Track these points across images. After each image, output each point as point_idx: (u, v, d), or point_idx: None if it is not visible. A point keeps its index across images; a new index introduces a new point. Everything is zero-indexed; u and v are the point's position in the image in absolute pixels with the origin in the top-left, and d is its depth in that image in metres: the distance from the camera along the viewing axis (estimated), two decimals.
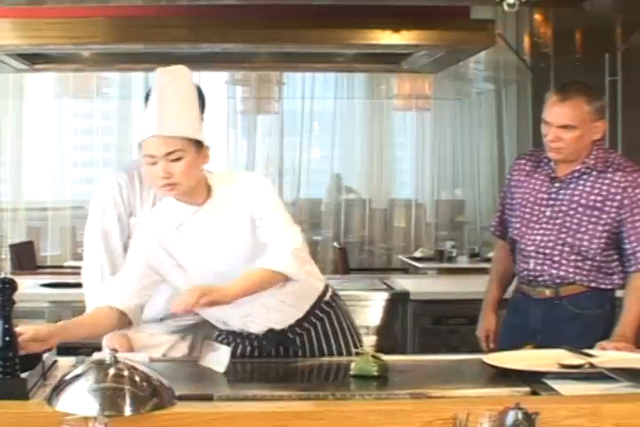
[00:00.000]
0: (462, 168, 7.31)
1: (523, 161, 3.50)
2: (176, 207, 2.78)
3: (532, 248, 3.36)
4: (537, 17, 5.93)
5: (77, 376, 2.20)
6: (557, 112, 3.27)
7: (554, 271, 3.32)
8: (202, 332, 3.31)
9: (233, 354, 2.82)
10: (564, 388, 2.46)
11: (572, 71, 5.73)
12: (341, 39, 4.47)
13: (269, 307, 2.82)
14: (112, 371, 2.19)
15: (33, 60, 5.18)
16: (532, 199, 3.40)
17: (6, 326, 2.35)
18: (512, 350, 2.90)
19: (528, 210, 3.40)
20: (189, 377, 2.70)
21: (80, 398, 2.14)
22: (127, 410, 2.14)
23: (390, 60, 5.36)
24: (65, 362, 2.74)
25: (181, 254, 2.79)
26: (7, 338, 2.34)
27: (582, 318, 3.30)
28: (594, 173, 3.32)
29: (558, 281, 3.32)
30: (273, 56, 5.37)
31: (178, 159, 2.69)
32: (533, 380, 2.53)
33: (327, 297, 2.95)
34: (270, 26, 4.35)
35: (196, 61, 5.35)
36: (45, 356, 2.59)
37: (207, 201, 2.77)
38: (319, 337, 2.94)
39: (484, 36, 4.52)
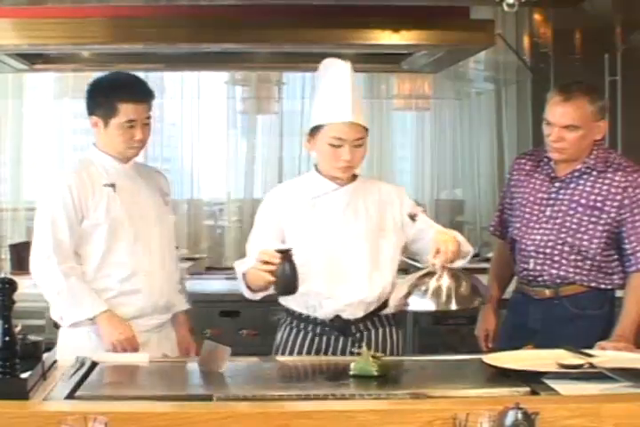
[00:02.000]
0: (462, 168, 7.30)
1: (523, 160, 3.49)
2: (318, 181, 3.13)
3: (531, 248, 3.35)
4: (537, 17, 5.92)
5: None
6: (561, 112, 3.26)
7: (554, 271, 3.31)
8: (165, 331, 3.33)
9: (294, 341, 3.11)
10: (564, 388, 2.46)
11: (572, 71, 5.73)
12: (341, 39, 4.47)
13: (354, 282, 3.08)
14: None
15: (33, 60, 5.18)
16: (531, 199, 3.40)
17: (6, 326, 2.35)
18: (512, 350, 2.90)
19: (528, 210, 3.40)
20: (189, 377, 2.70)
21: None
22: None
23: (390, 60, 5.36)
24: (65, 362, 2.75)
25: (308, 223, 3.11)
26: (7, 338, 2.35)
27: (582, 318, 3.30)
28: (594, 172, 3.32)
29: (558, 281, 3.32)
30: (273, 56, 5.37)
31: (360, 145, 3.06)
32: (533, 380, 2.54)
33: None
34: (270, 26, 4.35)
35: (196, 61, 5.35)
36: (45, 356, 2.60)
37: (350, 184, 3.14)
38: (370, 344, 3.07)
39: (483, 36, 4.52)
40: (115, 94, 3.24)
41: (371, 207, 3.16)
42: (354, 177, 3.19)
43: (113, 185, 3.27)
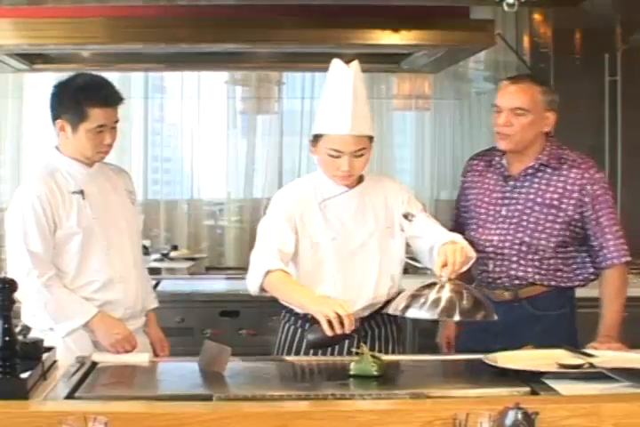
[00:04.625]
0: (462, 168, 7.31)
1: (475, 162, 3.49)
2: (326, 184, 3.12)
3: (490, 249, 3.33)
4: (536, 17, 5.91)
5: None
6: (510, 95, 3.27)
7: (512, 272, 3.30)
8: (140, 335, 3.31)
9: (299, 341, 3.10)
10: (564, 388, 2.46)
11: (572, 71, 5.73)
12: (341, 39, 4.46)
13: (365, 284, 3.09)
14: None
15: (33, 60, 5.17)
16: (486, 199, 3.38)
17: (6, 326, 2.35)
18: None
19: (483, 210, 3.37)
20: (189, 377, 2.70)
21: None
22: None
23: (390, 60, 5.35)
24: (65, 362, 2.75)
25: (319, 225, 3.09)
26: (7, 338, 2.34)
27: (543, 319, 3.29)
28: (548, 169, 3.30)
29: (517, 282, 3.31)
30: (273, 56, 5.36)
31: (361, 155, 3.01)
32: (533, 380, 2.54)
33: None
34: (270, 26, 4.35)
35: (196, 61, 5.35)
36: (45, 356, 2.60)
37: (357, 186, 3.13)
38: (374, 342, 3.13)
39: (483, 36, 4.51)
40: (84, 99, 3.16)
41: (379, 208, 3.16)
42: (360, 177, 3.18)
43: (81, 192, 3.22)
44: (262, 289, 3.02)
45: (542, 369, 2.60)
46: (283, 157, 6.55)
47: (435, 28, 4.43)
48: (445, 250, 2.90)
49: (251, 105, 6.55)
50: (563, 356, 2.76)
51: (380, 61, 5.39)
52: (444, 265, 2.85)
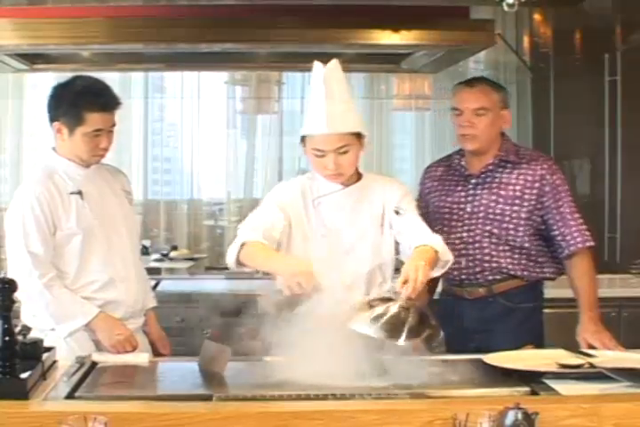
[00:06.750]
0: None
1: (433, 168, 3.56)
2: (322, 181, 3.11)
3: (461, 246, 3.36)
4: (536, 17, 5.92)
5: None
6: (468, 96, 3.35)
7: (486, 264, 3.34)
8: (139, 335, 3.32)
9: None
10: (564, 388, 2.46)
11: (572, 71, 5.73)
12: (341, 39, 4.46)
13: (357, 283, 3.09)
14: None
15: (33, 60, 5.17)
16: (449, 199, 3.43)
17: (6, 326, 2.35)
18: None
19: (447, 210, 3.42)
20: (189, 377, 2.70)
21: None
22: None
23: (390, 60, 5.35)
24: (65, 362, 2.75)
25: (312, 222, 3.10)
26: (7, 338, 2.35)
27: (517, 311, 3.33)
28: (508, 165, 3.38)
29: (491, 278, 3.33)
30: (273, 56, 5.36)
31: (345, 152, 2.99)
32: (533, 380, 2.54)
33: None
34: (270, 26, 4.35)
35: (196, 61, 5.35)
36: (45, 356, 2.60)
37: (354, 184, 3.12)
38: None
39: (483, 36, 4.51)
40: (83, 104, 3.16)
41: (375, 206, 3.15)
42: (359, 176, 3.17)
43: (80, 192, 3.22)
44: (239, 262, 2.99)
45: (542, 369, 2.60)
46: (282, 157, 6.54)
47: (435, 28, 4.43)
48: (407, 268, 2.81)
49: (250, 105, 6.55)
50: (563, 356, 2.76)
51: (380, 61, 5.39)
52: (405, 282, 2.77)
